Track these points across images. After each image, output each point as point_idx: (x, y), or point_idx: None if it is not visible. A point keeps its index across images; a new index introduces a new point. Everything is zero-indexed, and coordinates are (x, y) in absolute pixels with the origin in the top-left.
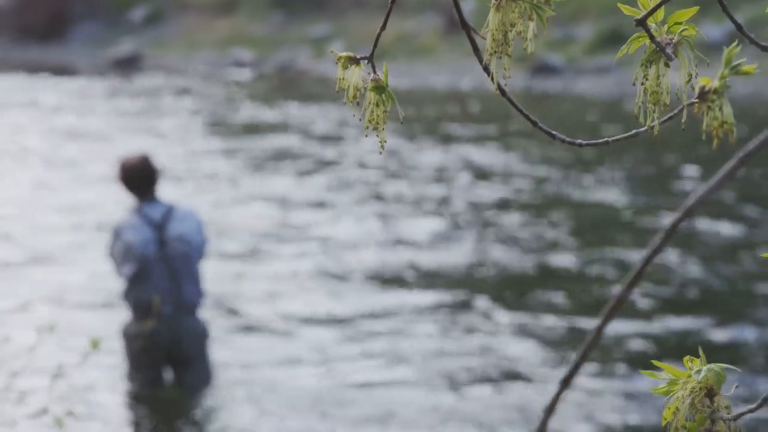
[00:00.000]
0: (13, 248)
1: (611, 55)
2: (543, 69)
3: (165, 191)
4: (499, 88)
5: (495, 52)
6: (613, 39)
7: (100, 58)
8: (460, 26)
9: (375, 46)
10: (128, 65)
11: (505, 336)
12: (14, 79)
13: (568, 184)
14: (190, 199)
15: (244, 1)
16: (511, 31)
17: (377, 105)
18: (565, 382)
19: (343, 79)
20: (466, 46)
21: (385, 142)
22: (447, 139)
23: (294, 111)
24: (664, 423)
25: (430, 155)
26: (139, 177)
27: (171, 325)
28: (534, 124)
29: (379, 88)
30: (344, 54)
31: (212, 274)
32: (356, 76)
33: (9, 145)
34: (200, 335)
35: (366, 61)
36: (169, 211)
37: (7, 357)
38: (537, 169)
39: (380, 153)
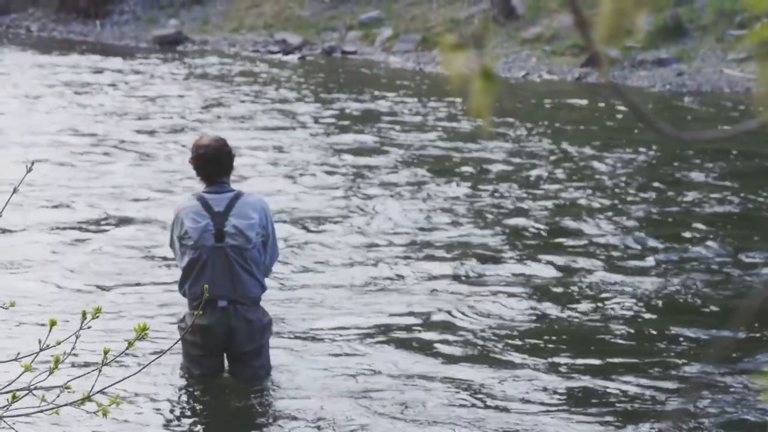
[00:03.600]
0: (67, 231)
1: (670, 48)
2: (597, 60)
3: (340, 201)
4: (609, 80)
5: (608, 39)
6: (673, 31)
7: (144, 38)
8: (574, 21)
9: (481, 33)
10: (173, 46)
11: None
12: (68, 58)
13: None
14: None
15: None
16: (624, 19)
17: (483, 92)
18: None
19: (448, 65)
20: (518, 36)
21: (491, 131)
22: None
23: (379, 100)
24: None
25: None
26: (209, 161)
27: (226, 319)
28: (641, 116)
29: (487, 74)
30: (449, 40)
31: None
32: (460, 62)
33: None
34: (257, 330)
35: (470, 48)
36: (233, 202)
37: (52, 342)
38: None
39: (487, 140)
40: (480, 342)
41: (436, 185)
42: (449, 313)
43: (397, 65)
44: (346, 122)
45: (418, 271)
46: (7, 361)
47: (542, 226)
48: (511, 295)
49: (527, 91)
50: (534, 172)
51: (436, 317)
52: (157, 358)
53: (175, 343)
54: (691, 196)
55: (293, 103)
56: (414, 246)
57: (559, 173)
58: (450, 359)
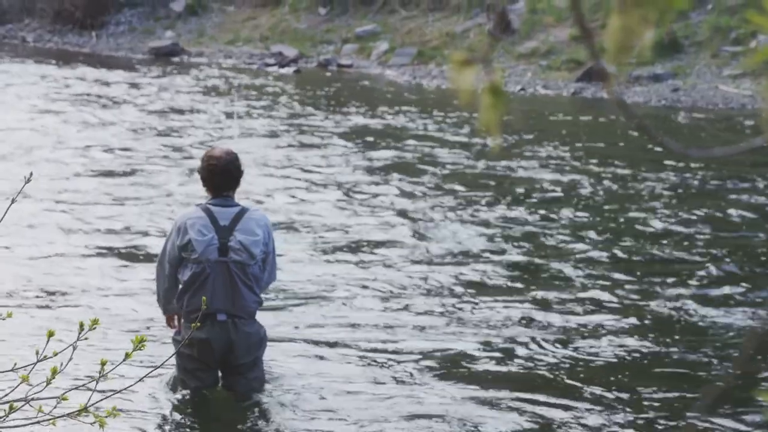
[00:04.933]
0: (72, 241)
1: (666, 63)
2: (592, 75)
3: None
4: (616, 96)
5: (616, 57)
6: (669, 47)
7: (139, 49)
8: (581, 34)
9: (491, 47)
10: (168, 57)
11: None
12: (71, 70)
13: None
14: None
15: None
16: (631, 36)
17: (491, 108)
18: None
19: (457, 80)
20: (513, 50)
21: (500, 146)
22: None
23: (391, 115)
24: None
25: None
26: (219, 172)
27: (225, 333)
28: (647, 132)
29: (495, 90)
30: (459, 55)
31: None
32: (469, 78)
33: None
34: (255, 343)
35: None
36: (238, 216)
37: (49, 353)
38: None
39: (493, 153)
40: (533, 373)
41: (480, 206)
42: (493, 337)
43: (392, 79)
44: (366, 138)
45: (471, 294)
46: (4, 372)
47: (600, 248)
48: (579, 322)
49: (528, 106)
50: (580, 192)
51: (474, 341)
52: (153, 370)
53: (171, 356)
54: (747, 216)
55: (306, 118)
56: (467, 267)
57: (603, 192)
58: (476, 387)
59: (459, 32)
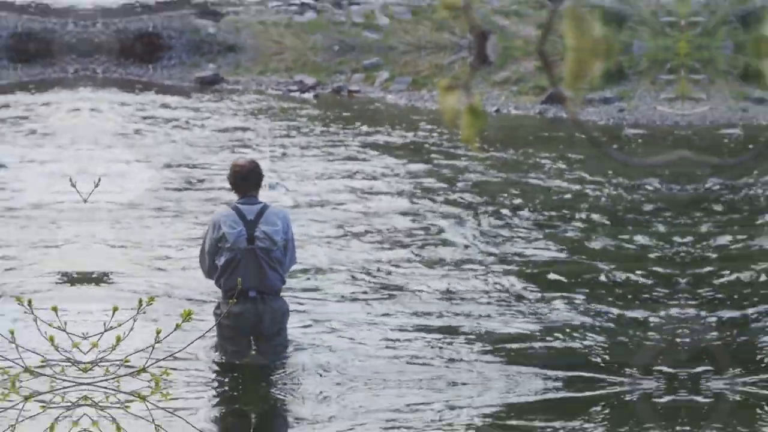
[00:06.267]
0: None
1: (613, 89)
2: (554, 98)
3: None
4: (574, 116)
5: (572, 84)
6: (615, 75)
7: (187, 79)
8: (543, 66)
9: (471, 75)
10: (211, 85)
11: None
12: (139, 96)
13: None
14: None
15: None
16: (584, 67)
17: (470, 125)
18: None
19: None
20: (490, 78)
21: (482, 157)
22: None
23: (410, 132)
24: None
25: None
26: (243, 177)
27: (255, 307)
28: (597, 144)
29: (473, 111)
30: (444, 82)
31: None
32: (453, 100)
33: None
34: (279, 316)
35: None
36: (262, 211)
37: (114, 324)
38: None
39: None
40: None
41: (510, 214)
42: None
43: (392, 102)
44: (393, 152)
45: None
46: (79, 339)
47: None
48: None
49: (503, 123)
50: (600, 203)
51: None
52: (198, 338)
53: (212, 327)
54: None
55: (340, 136)
56: (500, 275)
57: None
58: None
59: (446, 64)
